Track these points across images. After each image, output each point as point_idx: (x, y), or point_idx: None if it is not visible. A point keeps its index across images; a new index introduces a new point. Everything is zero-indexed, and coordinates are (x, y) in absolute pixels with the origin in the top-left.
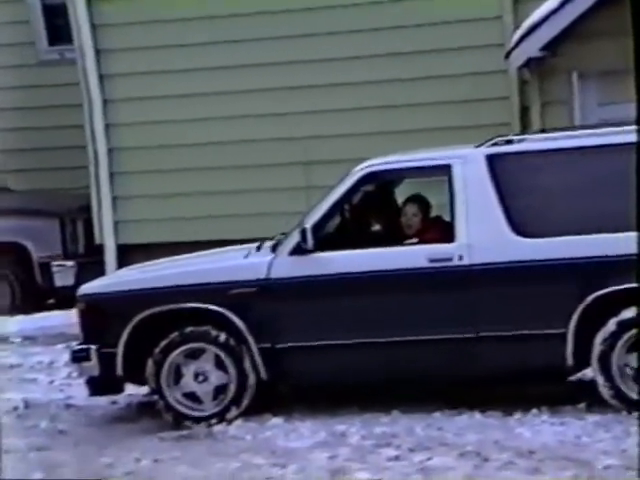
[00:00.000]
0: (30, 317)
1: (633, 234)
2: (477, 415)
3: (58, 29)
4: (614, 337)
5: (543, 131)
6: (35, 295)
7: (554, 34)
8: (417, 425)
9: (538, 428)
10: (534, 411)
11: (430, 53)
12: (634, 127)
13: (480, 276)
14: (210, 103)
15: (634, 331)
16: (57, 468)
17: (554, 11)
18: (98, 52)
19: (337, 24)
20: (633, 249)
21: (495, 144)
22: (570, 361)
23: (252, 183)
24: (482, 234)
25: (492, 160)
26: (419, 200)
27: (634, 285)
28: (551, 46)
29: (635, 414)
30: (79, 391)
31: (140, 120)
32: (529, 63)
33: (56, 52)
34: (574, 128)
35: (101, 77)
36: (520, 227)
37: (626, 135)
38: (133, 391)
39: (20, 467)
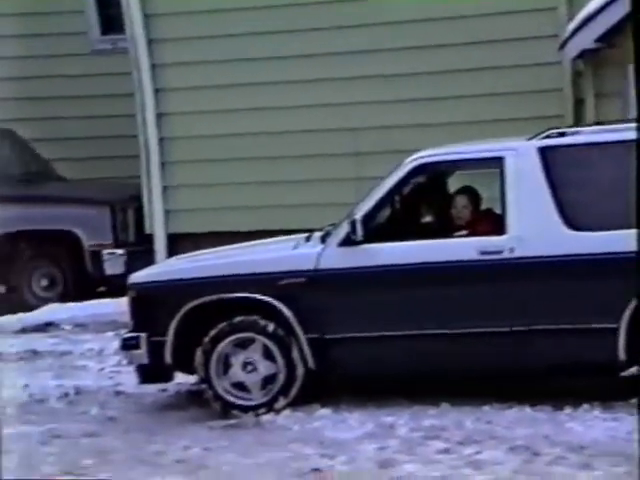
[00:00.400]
0: (81, 305)
1: None
2: (527, 409)
3: (111, 19)
4: None
5: (598, 124)
6: (86, 283)
7: (610, 25)
8: (466, 418)
9: (589, 423)
10: (585, 406)
11: (483, 44)
12: None
13: (531, 269)
14: (261, 93)
15: None
16: (107, 454)
17: (610, 1)
18: (150, 42)
19: (391, 15)
20: None
21: (548, 136)
22: (622, 356)
23: (302, 174)
24: (534, 227)
25: (545, 153)
26: (470, 192)
27: None
28: (606, 37)
29: None
30: (128, 379)
31: (191, 109)
32: (583, 54)
33: (109, 42)
34: (629, 121)
35: (153, 66)
36: (572, 220)
37: None
38: (182, 380)
39: (71, 453)
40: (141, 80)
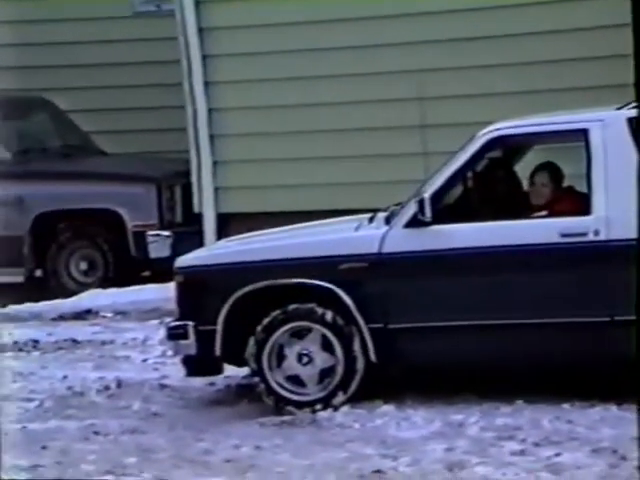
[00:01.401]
0: (123, 290)
1: None
2: (613, 408)
3: None
4: None
5: None
6: (129, 267)
7: None
8: (544, 417)
9: None
10: None
11: (559, 4)
12: None
13: (619, 253)
14: (317, 60)
15: None
16: (151, 453)
17: None
18: (198, 3)
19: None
20: None
21: (638, 106)
22: None
23: (364, 148)
24: (623, 207)
25: (636, 123)
26: (550, 168)
27: None
28: None
29: None
30: (174, 371)
31: (243, 78)
32: None
33: (152, 4)
34: None
35: (200, 30)
36: None
37: None
38: (232, 372)
39: (112, 450)
40: (188, 45)
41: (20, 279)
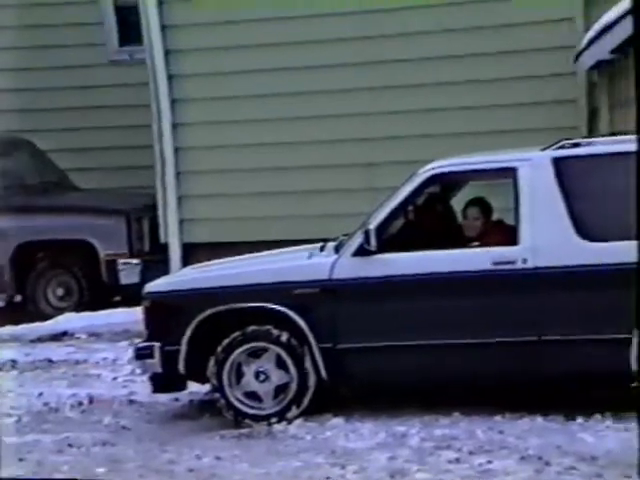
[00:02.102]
0: (96, 314)
1: None
2: (539, 419)
3: (129, 30)
4: None
5: (612, 134)
6: (101, 292)
7: (626, 36)
8: (478, 428)
9: (601, 433)
10: (597, 416)
11: (498, 55)
12: None
13: (544, 279)
14: (275, 104)
15: None
16: (120, 463)
17: (627, 13)
18: (167, 52)
19: (400, 26)
20: None
21: (562, 147)
22: (635, 366)
23: (315, 184)
24: (547, 237)
25: (559, 163)
26: (481, 203)
27: None
28: (622, 48)
29: None
30: (142, 388)
31: (207, 120)
32: (598, 65)
33: (126, 52)
34: None
35: (170, 77)
36: (586, 231)
37: None
38: (195, 389)
39: (84, 461)
40: (158, 90)
41: (1, 304)
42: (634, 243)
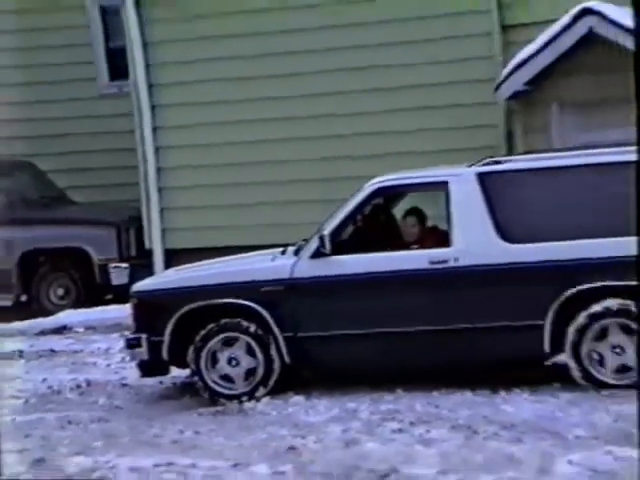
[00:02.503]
0: (91, 310)
1: (603, 240)
2: (468, 394)
3: (117, 67)
4: (584, 328)
5: (526, 153)
6: (95, 292)
7: (537, 71)
8: (417, 402)
9: (520, 405)
10: (516, 390)
11: (432, 86)
12: (602, 150)
13: (473, 276)
14: (245, 130)
15: (601, 322)
16: (113, 437)
17: (537, 51)
18: (150, 86)
19: (352, 61)
20: (602, 253)
21: (485, 164)
22: (547, 348)
23: (277, 197)
24: (474, 240)
25: (483, 177)
26: (416, 212)
27: (601, 284)
28: (534, 81)
29: (603, 392)
30: (131, 373)
31: (184, 144)
32: (515, 95)
33: (115, 87)
34: (552, 150)
35: (152, 107)
36: (506, 234)
37: (596, 157)
38: (177, 373)
39: (83, 436)
40: (142, 119)
41: (9, 303)
42: (547, 244)
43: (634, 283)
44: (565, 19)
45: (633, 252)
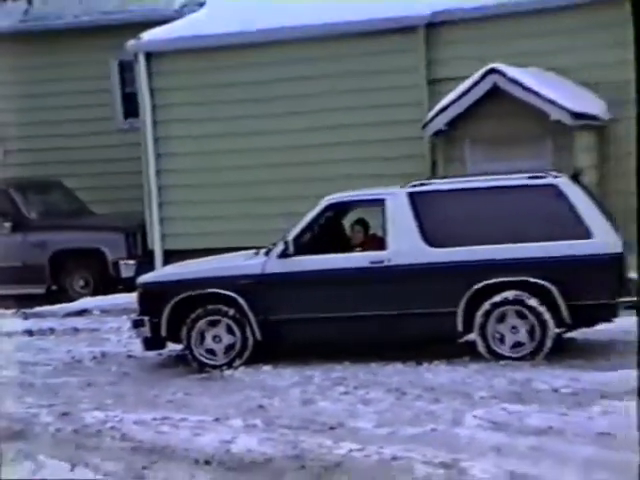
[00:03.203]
0: (105, 297)
1: (503, 245)
2: (399, 364)
3: (130, 108)
4: (488, 313)
5: (444, 177)
6: (109, 283)
7: (454, 115)
8: (360, 371)
9: (438, 373)
10: (436, 362)
11: (373, 125)
12: (503, 176)
13: (403, 272)
14: (227, 158)
15: (501, 309)
16: (122, 397)
17: (454, 100)
18: (155, 123)
19: (305, 106)
20: (503, 256)
21: (414, 185)
22: (460, 328)
23: (251, 210)
24: (404, 244)
25: (412, 196)
26: (362, 222)
27: (501, 279)
28: (452, 123)
29: (501, 362)
30: (137, 347)
31: (180, 168)
32: (438, 133)
33: (128, 123)
34: (465, 176)
35: (155, 139)
36: (430, 240)
37: (498, 181)
38: (172, 347)
39: (98, 395)
40: (147, 148)
41: (42, 291)
42: (461, 248)
43: (525, 279)
44: (476, 76)
45: (526, 255)
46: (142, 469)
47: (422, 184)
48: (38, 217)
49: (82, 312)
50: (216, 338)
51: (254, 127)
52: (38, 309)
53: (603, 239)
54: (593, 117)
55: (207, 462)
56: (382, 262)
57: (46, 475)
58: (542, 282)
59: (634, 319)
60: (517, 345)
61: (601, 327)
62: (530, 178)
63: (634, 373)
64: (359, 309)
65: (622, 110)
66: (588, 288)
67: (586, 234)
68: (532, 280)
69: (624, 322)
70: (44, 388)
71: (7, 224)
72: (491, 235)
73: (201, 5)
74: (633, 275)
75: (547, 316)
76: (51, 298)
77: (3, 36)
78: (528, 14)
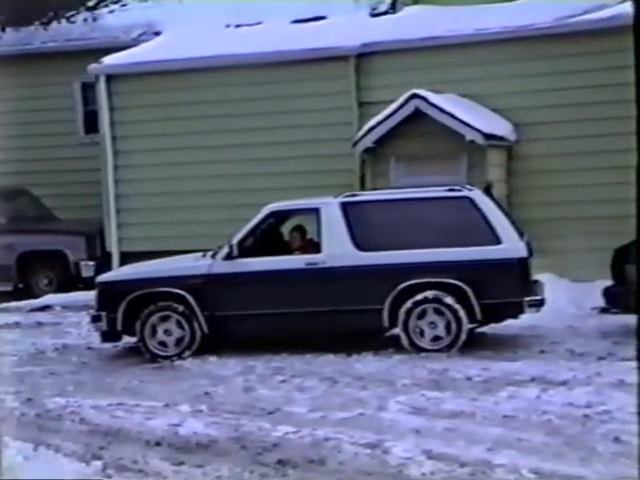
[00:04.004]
0: (67, 295)
1: (424, 250)
2: (331, 356)
3: (91, 124)
4: (410, 310)
5: (373, 190)
6: (70, 282)
7: (381, 134)
8: (296, 362)
9: (366, 363)
10: (364, 353)
11: (308, 142)
12: (422, 189)
13: (335, 273)
14: (179, 169)
15: (422, 306)
16: (81, 385)
17: (381, 121)
18: (114, 138)
19: (250, 124)
20: (424, 259)
21: (345, 196)
22: (386, 324)
23: (199, 217)
24: (336, 249)
25: (344, 205)
26: (299, 228)
27: (422, 280)
28: (379, 141)
29: (422, 354)
30: (95, 339)
31: (135, 178)
32: (366, 150)
33: (89, 138)
34: (390, 188)
35: (115, 153)
36: (359, 245)
37: (418, 193)
38: (127, 340)
39: (60, 383)
40: (106, 160)
41: (10, 288)
42: (387, 252)
43: (443, 280)
44: (400, 100)
45: (444, 259)
46: (99, 449)
47: (353, 195)
48: (7, 222)
49: (45, 308)
50: (167, 332)
51: (201, 142)
52: (5, 305)
53: (510, 245)
54: (502, 138)
55: (158, 443)
56: (317, 264)
57: (10, 454)
58: (458, 283)
59: (537, 316)
60: (436, 339)
61: (508, 323)
62: (447, 191)
63: (536, 363)
64: (296, 306)
65: (526, 132)
66: (497, 288)
67: (496, 240)
68: (449, 281)
69: (528, 319)
70: (10, 376)
71: None
72: (413, 241)
73: (156, 34)
74: (536, 277)
75: (462, 313)
76: (17, 295)
77: None
78: (446, 47)
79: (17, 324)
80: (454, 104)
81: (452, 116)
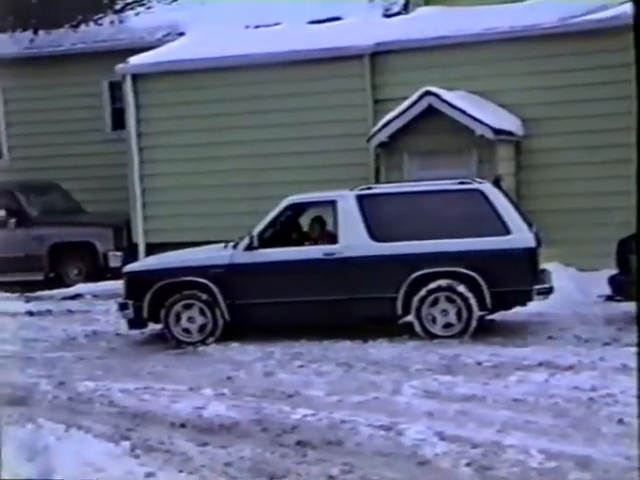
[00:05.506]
0: (96, 284)
1: (437, 240)
2: (347, 342)
3: (118, 121)
4: (424, 298)
5: (387, 183)
6: (99, 271)
7: (395, 130)
8: (314, 348)
9: (381, 349)
10: (379, 339)
11: (325, 137)
12: (435, 182)
13: (352, 263)
14: (203, 164)
15: (434, 295)
16: (110, 369)
17: (395, 117)
18: (139, 135)
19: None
20: (437, 249)
21: (361, 189)
22: (400, 311)
23: (222, 209)
24: (353, 239)
25: (359, 198)
26: (319, 219)
27: (435, 270)
28: (393, 136)
29: (434, 341)
30: (123, 326)
31: (160, 173)
32: (381, 145)
33: (116, 134)
34: (404, 182)
35: (140, 149)
36: (374, 236)
37: (431, 186)
38: (153, 327)
39: (90, 367)
40: (132, 156)
41: (42, 278)
42: (401, 243)
43: (455, 269)
44: (413, 97)
45: (456, 249)
46: (127, 431)
47: (368, 188)
48: (39, 214)
49: (76, 296)
50: (191, 319)
51: (222, 138)
52: (38, 293)
53: (519, 235)
54: (510, 133)
55: (182, 425)
56: (334, 254)
57: (43, 435)
58: (469, 272)
59: (544, 303)
60: (447, 326)
61: (517, 310)
62: (459, 184)
63: (544, 348)
64: (314, 294)
65: (534, 127)
66: (507, 277)
67: (505, 231)
68: (461, 270)
69: (536, 306)
70: (43, 361)
71: (12, 220)
72: (426, 232)
73: (180, 35)
74: (543, 267)
75: (473, 301)
76: (49, 284)
77: (12, 61)
78: (456, 46)
79: (49, 311)
80: (465, 101)
81: (463, 112)
